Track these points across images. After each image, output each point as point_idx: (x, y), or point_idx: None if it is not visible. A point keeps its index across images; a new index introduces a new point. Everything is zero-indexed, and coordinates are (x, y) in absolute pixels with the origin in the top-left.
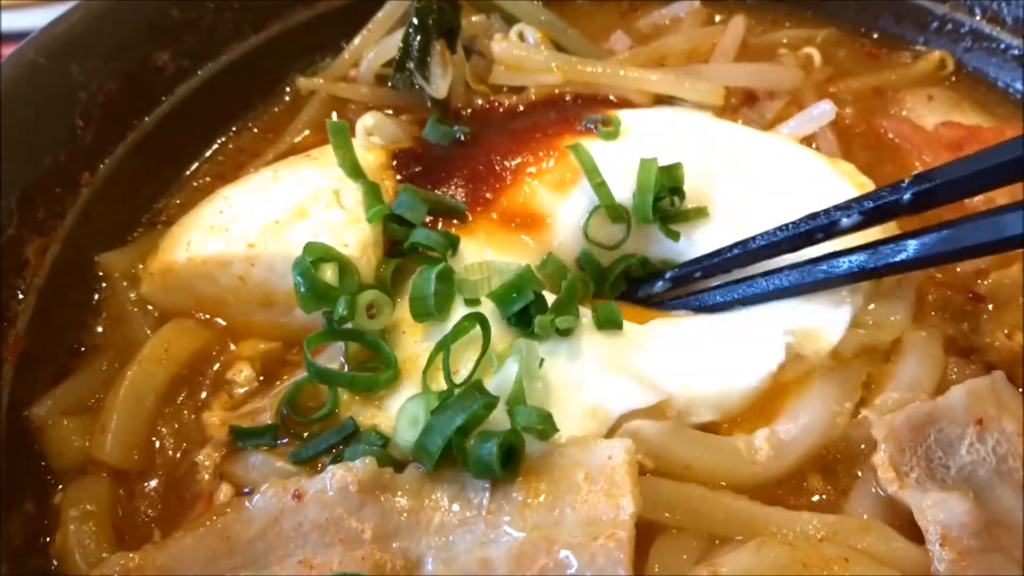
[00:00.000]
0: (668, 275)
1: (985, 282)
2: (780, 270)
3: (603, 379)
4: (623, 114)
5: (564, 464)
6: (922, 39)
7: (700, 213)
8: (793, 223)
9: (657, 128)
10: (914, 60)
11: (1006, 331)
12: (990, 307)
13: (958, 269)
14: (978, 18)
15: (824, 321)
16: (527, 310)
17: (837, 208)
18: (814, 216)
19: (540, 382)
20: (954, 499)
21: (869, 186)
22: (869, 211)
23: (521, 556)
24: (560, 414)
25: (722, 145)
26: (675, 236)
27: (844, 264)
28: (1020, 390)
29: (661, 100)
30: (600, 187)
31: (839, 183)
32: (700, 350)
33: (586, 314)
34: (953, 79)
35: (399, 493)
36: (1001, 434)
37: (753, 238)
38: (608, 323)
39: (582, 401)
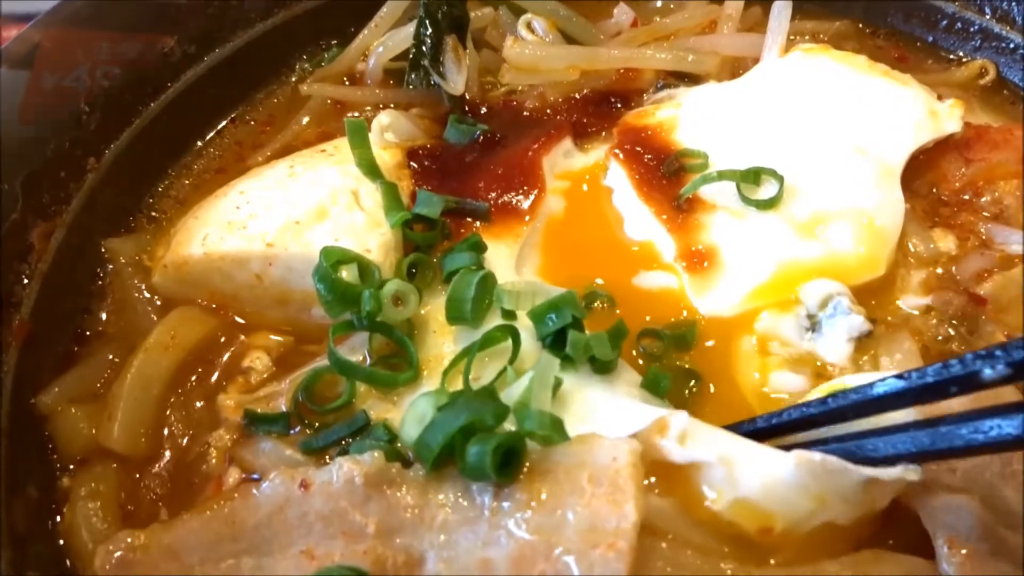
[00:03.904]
0: (760, 422)
1: (987, 284)
2: (903, 428)
3: (623, 411)
4: None
5: (568, 464)
6: (931, 37)
7: None
8: (918, 371)
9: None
10: (956, 66)
11: (1006, 333)
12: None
13: (955, 271)
14: (988, 17)
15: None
16: (564, 334)
17: (976, 356)
18: (947, 365)
19: (549, 391)
20: (961, 502)
21: (912, 82)
22: (1020, 361)
23: (521, 559)
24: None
25: None
26: None
27: (995, 429)
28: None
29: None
30: None
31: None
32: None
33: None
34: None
35: (405, 489)
36: None
37: (869, 385)
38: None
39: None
